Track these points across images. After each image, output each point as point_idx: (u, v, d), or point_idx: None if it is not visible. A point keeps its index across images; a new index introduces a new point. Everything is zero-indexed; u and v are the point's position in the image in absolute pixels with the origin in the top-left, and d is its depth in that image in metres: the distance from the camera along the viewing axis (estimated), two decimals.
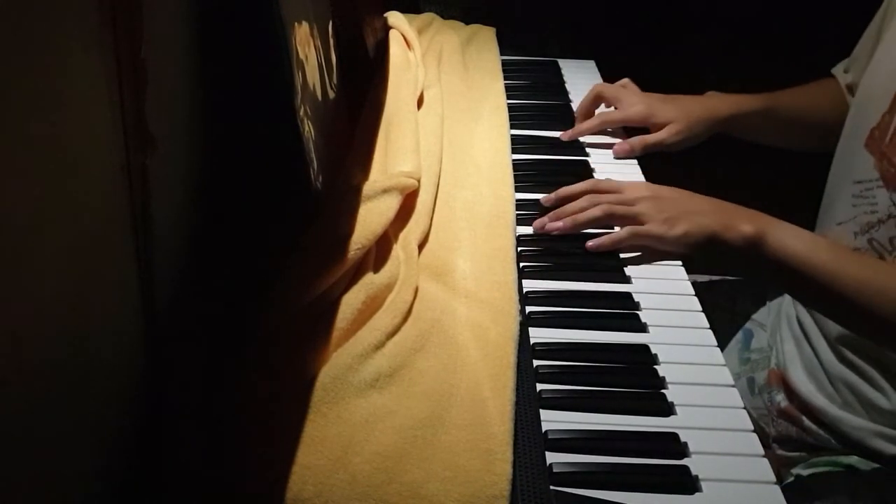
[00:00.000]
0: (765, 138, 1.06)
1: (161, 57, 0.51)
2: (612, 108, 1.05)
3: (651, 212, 0.79)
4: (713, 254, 0.77)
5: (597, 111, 1.07)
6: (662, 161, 1.02)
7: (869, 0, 0.92)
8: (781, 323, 1.00)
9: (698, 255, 0.78)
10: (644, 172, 0.98)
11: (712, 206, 0.79)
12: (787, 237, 0.75)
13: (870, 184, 0.82)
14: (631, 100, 1.03)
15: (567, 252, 0.83)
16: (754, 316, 1.07)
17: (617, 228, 0.82)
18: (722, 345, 0.73)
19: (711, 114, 1.00)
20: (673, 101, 1.02)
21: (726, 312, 1.09)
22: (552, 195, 0.87)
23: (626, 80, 1.07)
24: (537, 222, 0.84)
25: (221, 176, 0.62)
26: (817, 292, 0.75)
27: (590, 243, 0.80)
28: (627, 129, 1.06)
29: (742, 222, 0.76)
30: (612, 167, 0.99)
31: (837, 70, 1.01)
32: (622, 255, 0.82)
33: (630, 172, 0.98)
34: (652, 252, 0.80)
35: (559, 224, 0.82)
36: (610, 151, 1.02)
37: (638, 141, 1.00)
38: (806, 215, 0.95)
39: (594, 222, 0.81)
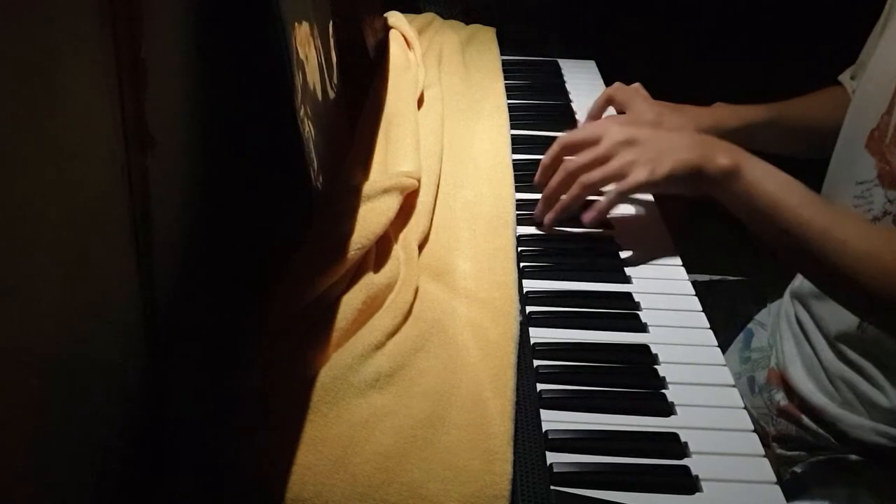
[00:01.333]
0: (772, 148, 1.06)
1: (161, 57, 0.51)
2: (622, 113, 1.05)
3: (631, 159, 0.78)
4: (696, 187, 0.77)
5: (605, 114, 1.07)
6: None
7: (874, 5, 0.92)
8: (781, 322, 1.00)
9: (684, 191, 0.78)
10: None
11: (690, 140, 0.79)
12: (760, 174, 0.75)
13: (869, 184, 0.82)
14: (642, 106, 1.03)
15: (567, 252, 0.83)
16: (754, 315, 1.07)
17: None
18: (722, 345, 0.73)
19: (718, 125, 1.01)
20: (682, 111, 1.03)
21: (726, 312, 1.09)
22: (537, 174, 0.87)
23: (637, 85, 1.08)
24: (537, 216, 0.85)
25: (221, 176, 0.62)
26: (782, 234, 0.75)
27: (585, 218, 0.80)
28: None
29: (719, 154, 0.76)
30: None
31: (844, 77, 1.01)
32: (622, 255, 0.82)
33: None
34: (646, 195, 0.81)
35: (552, 216, 0.83)
36: None
37: None
38: None
39: (578, 200, 0.81)
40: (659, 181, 0.77)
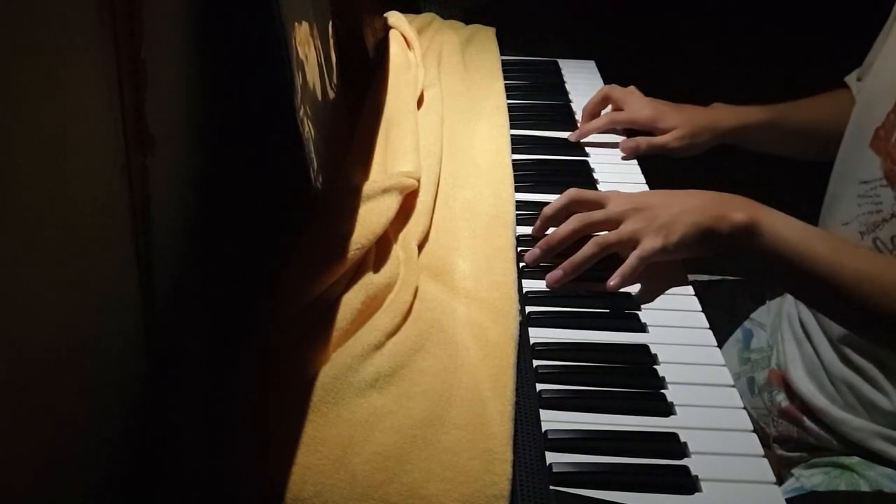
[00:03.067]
0: (771, 150, 1.06)
1: (161, 57, 0.51)
2: (619, 110, 1.06)
3: (642, 226, 0.76)
4: (714, 248, 0.76)
5: (602, 112, 1.07)
6: (662, 161, 1.02)
7: (882, 6, 0.91)
8: (782, 323, 1.00)
9: (703, 253, 0.76)
10: (643, 170, 0.98)
11: (699, 200, 0.77)
12: (780, 226, 0.74)
13: (874, 183, 0.82)
14: (638, 103, 1.04)
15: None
16: (754, 316, 1.07)
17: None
18: (722, 345, 0.73)
19: (715, 125, 1.02)
20: (679, 109, 1.03)
21: (726, 312, 1.09)
22: (537, 223, 0.82)
23: (632, 88, 1.08)
24: (527, 257, 0.79)
25: (221, 176, 0.62)
26: (813, 284, 0.73)
27: (610, 283, 0.76)
28: (628, 132, 1.06)
29: (733, 211, 0.74)
30: (612, 167, 0.99)
31: (850, 78, 1.01)
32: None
33: (630, 171, 0.98)
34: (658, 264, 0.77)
35: (559, 274, 0.76)
36: (609, 152, 1.02)
37: (644, 140, 1.01)
38: (805, 215, 0.95)
39: (592, 260, 0.76)
40: (671, 248, 0.75)
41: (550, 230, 0.81)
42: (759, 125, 1.02)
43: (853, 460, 0.86)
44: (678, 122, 1.01)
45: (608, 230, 0.77)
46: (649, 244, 0.75)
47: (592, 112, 1.07)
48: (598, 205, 0.79)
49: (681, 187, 0.81)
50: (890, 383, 0.83)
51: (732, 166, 1.47)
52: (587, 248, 0.76)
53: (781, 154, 1.07)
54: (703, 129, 1.01)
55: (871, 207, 0.82)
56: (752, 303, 1.08)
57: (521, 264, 0.79)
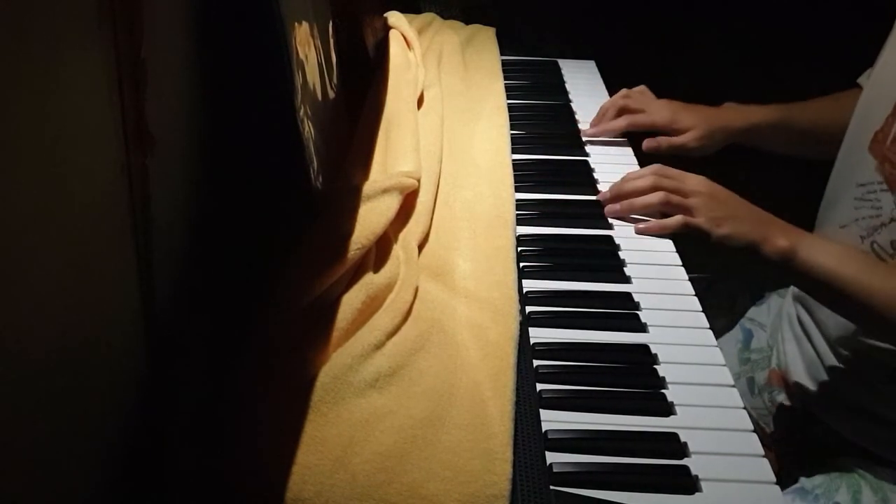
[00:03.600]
0: (782, 149, 1.07)
1: (161, 57, 0.51)
2: (636, 113, 1.06)
3: (703, 207, 0.82)
4: (747, 259, 0.81)
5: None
6: (662, 161, 1.02)
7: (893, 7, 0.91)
8: (782, 323, 1.00)
9: (734, 255, 0.82)
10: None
11: (756, 215, 0.83)
12: (817, 251, 0.79)
13: (872, 186, 0.82)
14: (656, 105, 1.05)
15: (567, 252, 0.83)
16: (754, 316, 1.07)
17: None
18: (722, 345, 0.73)
19: (727, 125, 1.03)
20: (693, 110, 1.04)
21: (726, 312, 1.09)
22: (617, 185, 0.90)
23: (643, 88, 1.08)
24: (601, 195, 0.89)
25: (221, 176, 0.62)
26: (849, 305, 0.79)
27: (640, 226, 0.85)
28: (632, 133, 1.07)
29: (778, 236, 0.79)
30: (612, 167, 0.99)
31: (863, 79, 1.01)
32: (622, 255, 0.82)
33: (627, 171, 0.98)
34: (690, 238, 0.84)
35: (617, 207, 0.87)
36: (610, 152, 1.03)
37: (665, 140, 1.03)
38: (805, 216, 0.95)
39: (649, 208, 0.85)
40: (715, 236, 0.81)
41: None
42: (769, 125, 1.03)
43: (853, 460, 0.86)
44: (694, 122, 1.03)
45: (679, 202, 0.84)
46: (700, 220, 0.82)
47: (610, 112, 1.07)
48: (680, 178, 0.86)
49: None
50: (888, 383, 0.83)
51: (731, 166, 1.47)
52: (650, 197, 0.85)
53: (792, 154, 1.07)
54: (718, 130, 1.03)
55: (869, 212, 0.82)
56: (752, 303, 1.08)
57: (522, 264, 0.79)
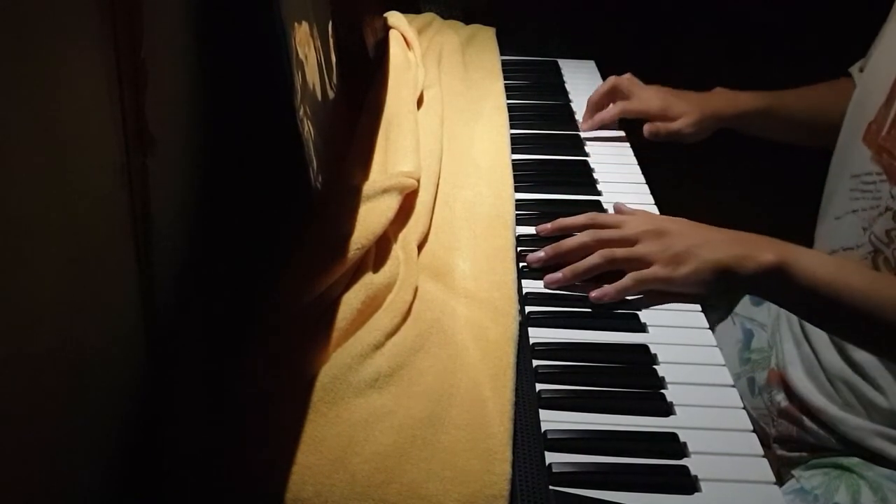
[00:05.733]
0: (771, 136, 1.08)
1: (161, 57, 0.51)
2: (627, 100, 1.07)
3: (654, 250, 0.74)
4: (726, 289, 0.74)
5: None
6: (662, 161, 1.03)
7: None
8: (781, 323, 1.00)
9: (711, 292, 0.74)
10: (643, 171, 0.99)
11: (723, 237, 0.75)
12: (813, 263, 0.72)
13: (867, 177, 0.82)
14: (646, 93, 1.05)
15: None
16: (754, 316, 1.07)
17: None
18: (722, 345, 0.73)
19: (717, 110, 1.04)
20: (684, 96, 1.05)
21: (726, 312, 1.09)
22: (549, 225, 0.82)
23: (629, 75, 1.08)
24: (530, 257, 0.79)
25: (221, 176, 0.62)
26: (852, 318, 0.72)
27: (593, 294, 0.74)
28: (622, 121, 1.08)
29: (761, 252, 0.72)
30: (612, 167, 0.99)
31: (854, 69, 1.01)
32: None
33: (630, 171, 0.98)
34: (663, 294, 0.75)
35: (559, 276, 0.76)
36: (610, 152, 1.03)
37: (662, 126, 1.03)
38: (805, 210, 0.96)
39: (594, 270, 0.75)
40: (677, 280, 0.73)
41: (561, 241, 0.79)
42: (758, 111, 1.04)
43: (853, 460, 0.86)
44: (686, 108, 1.03)
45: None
46: (654, 270, 0.74)
47: (599, 103, 1.08)
48: (617, 226, 0.78)
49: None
50: (888, 382, 0.83)
51: (731, 164, 1.47)
52: (592, 258, 0.75)
53: (781, 140, 1.08)
54: (709, 116, 1.04)
55: (866, 202, 0.82)
56: (752, 303, 1.08)
57: (522, 264, 0.79)
